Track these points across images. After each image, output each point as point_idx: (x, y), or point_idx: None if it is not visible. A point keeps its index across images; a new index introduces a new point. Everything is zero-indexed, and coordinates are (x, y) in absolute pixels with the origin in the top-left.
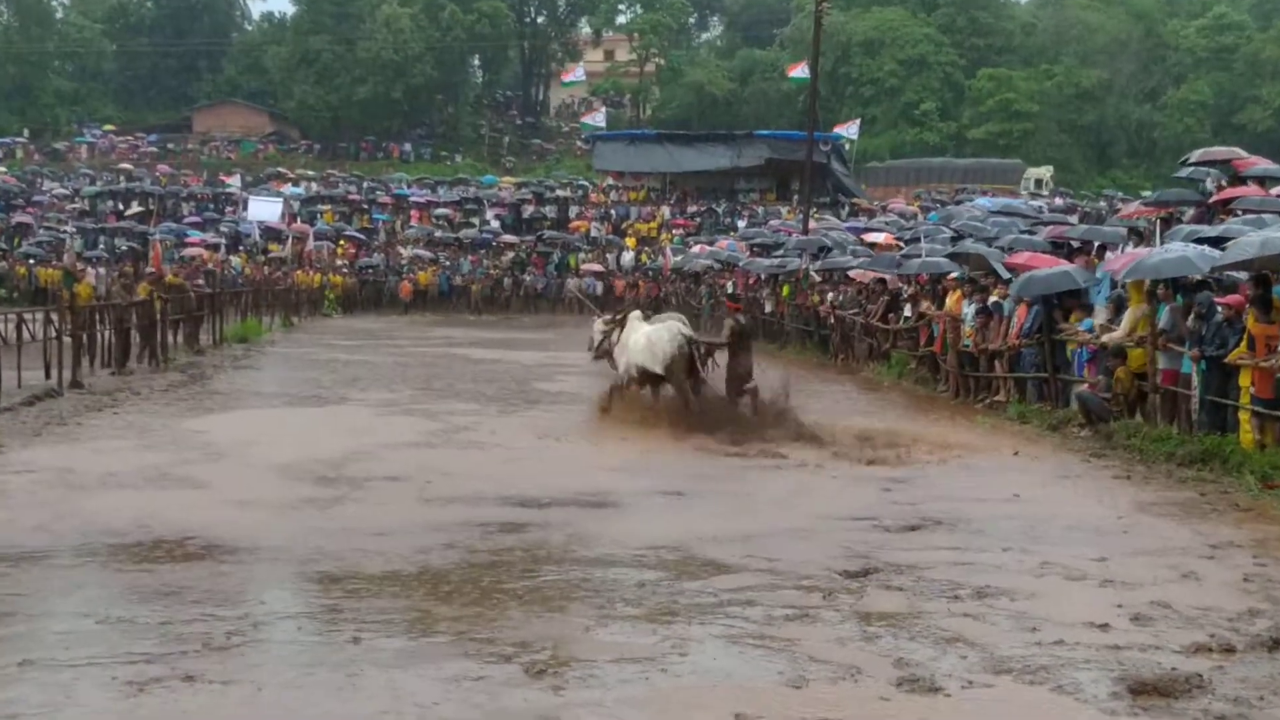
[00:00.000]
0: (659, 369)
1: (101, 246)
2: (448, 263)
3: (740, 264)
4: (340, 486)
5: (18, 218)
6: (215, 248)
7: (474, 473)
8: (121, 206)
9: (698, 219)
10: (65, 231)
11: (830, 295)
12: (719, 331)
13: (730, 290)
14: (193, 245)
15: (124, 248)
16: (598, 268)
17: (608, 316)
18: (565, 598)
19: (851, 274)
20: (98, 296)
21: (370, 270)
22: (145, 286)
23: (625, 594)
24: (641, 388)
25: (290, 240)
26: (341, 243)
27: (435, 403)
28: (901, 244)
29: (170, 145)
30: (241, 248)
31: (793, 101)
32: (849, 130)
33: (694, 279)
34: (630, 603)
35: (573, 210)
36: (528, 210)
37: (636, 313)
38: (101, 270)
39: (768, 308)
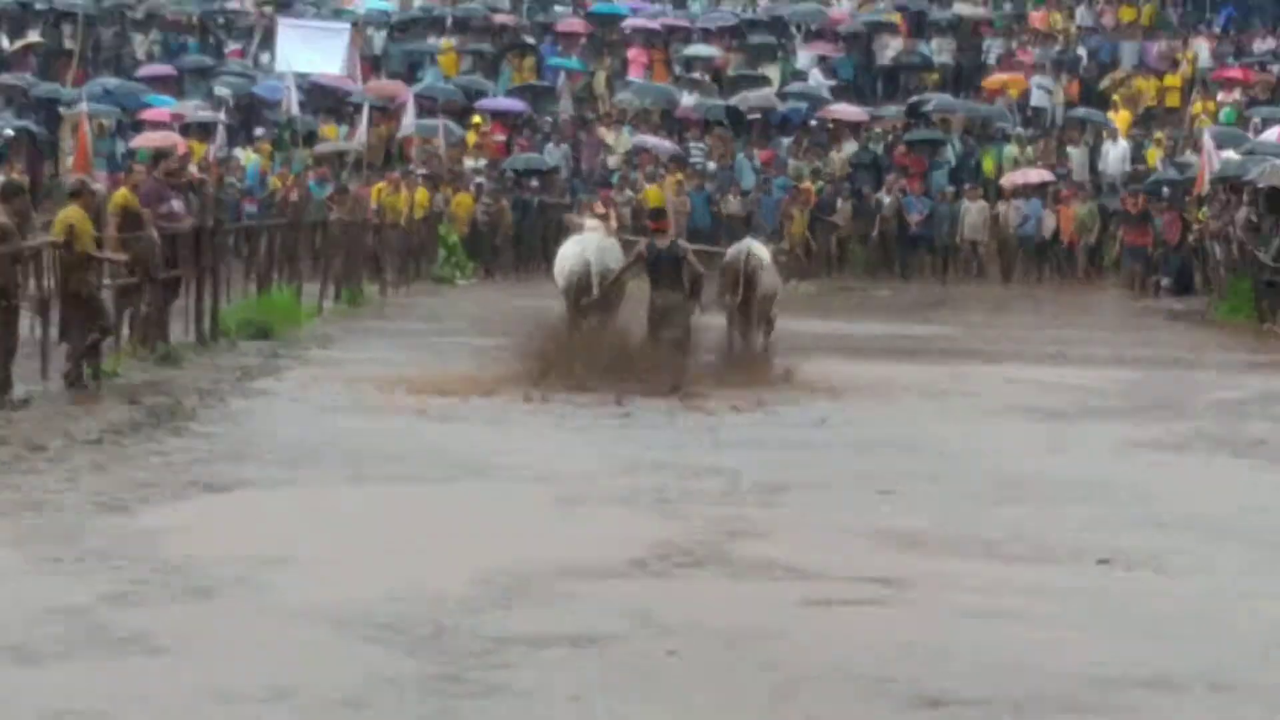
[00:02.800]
0: (561, 284)
1: None
2: (708, 166)
3: None
4: (460, 655)
5: None
6: (205, 131)
7: (760, 628)
8: (5, 41)
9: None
10: None
11: None
12: None
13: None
14: (157, 125)
15: (8, 133)
16: (1042, 175)
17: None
18: None
19: None
20: None
21: (538, 180)
22: (77, 211)
23: None
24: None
25: (366, 115)
26: (477, 121)
27: (677, 477)
28: None
29: None
30: (261, 132)
31: None
32: None
33: (1271, 204)
34: None
35: (992, 48)
36: (888, 47)
37: (593, 222)
38: None
39: None
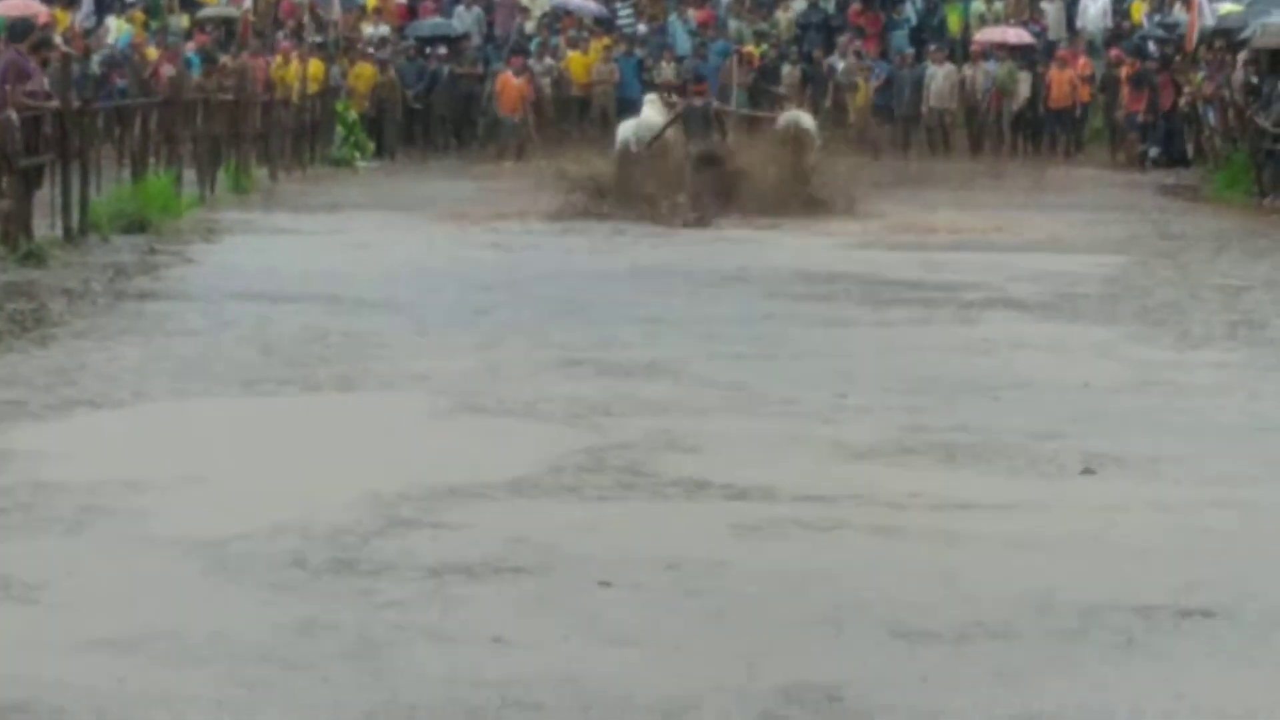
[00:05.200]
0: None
1: None
2: (638, 29)
3: None
4: (359, 592)
5: None
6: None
7: (699, 554)
8: None
9: None
10: None
11: None
12: None
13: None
14: None
15: None
16: (1021, 35)
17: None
18: None
19: None
20: None
21: (446, 48)
22: None
23: None
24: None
25: None
26: None
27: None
28: None
29: None
30: None
31: None
32: None
33: (1273, 63)
34: None
35: None
36: None
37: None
38: None
39: None
